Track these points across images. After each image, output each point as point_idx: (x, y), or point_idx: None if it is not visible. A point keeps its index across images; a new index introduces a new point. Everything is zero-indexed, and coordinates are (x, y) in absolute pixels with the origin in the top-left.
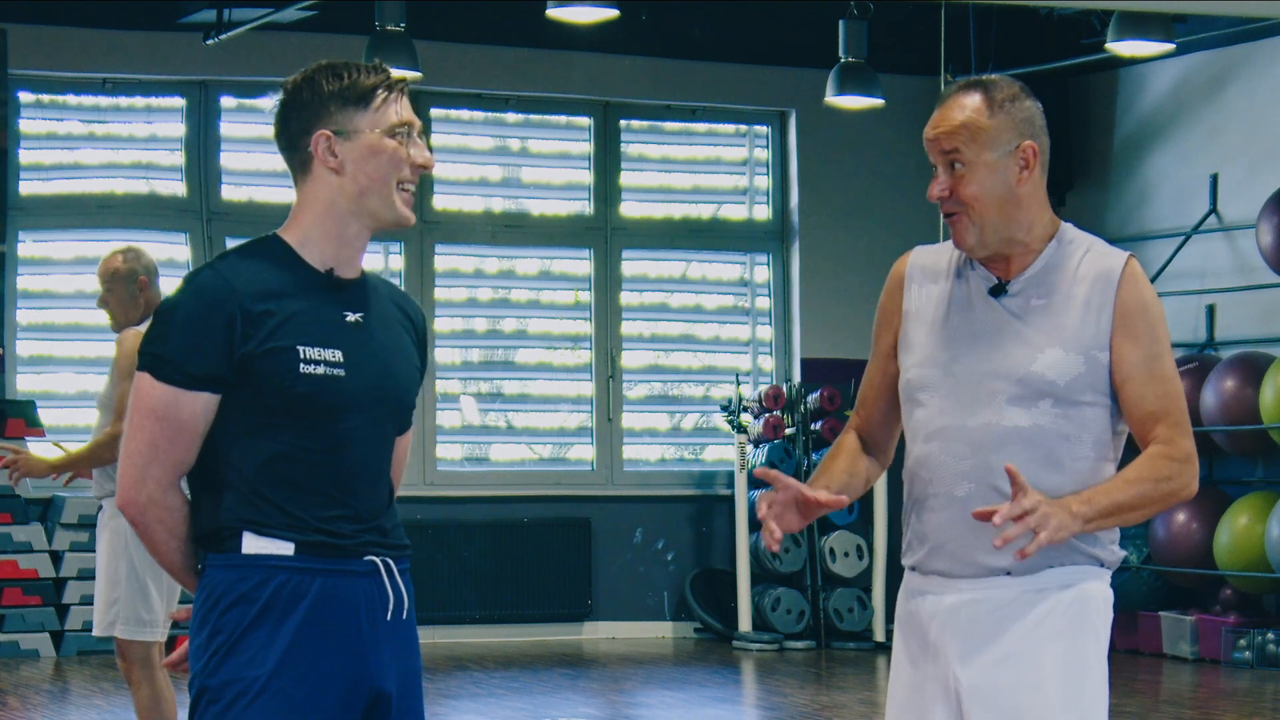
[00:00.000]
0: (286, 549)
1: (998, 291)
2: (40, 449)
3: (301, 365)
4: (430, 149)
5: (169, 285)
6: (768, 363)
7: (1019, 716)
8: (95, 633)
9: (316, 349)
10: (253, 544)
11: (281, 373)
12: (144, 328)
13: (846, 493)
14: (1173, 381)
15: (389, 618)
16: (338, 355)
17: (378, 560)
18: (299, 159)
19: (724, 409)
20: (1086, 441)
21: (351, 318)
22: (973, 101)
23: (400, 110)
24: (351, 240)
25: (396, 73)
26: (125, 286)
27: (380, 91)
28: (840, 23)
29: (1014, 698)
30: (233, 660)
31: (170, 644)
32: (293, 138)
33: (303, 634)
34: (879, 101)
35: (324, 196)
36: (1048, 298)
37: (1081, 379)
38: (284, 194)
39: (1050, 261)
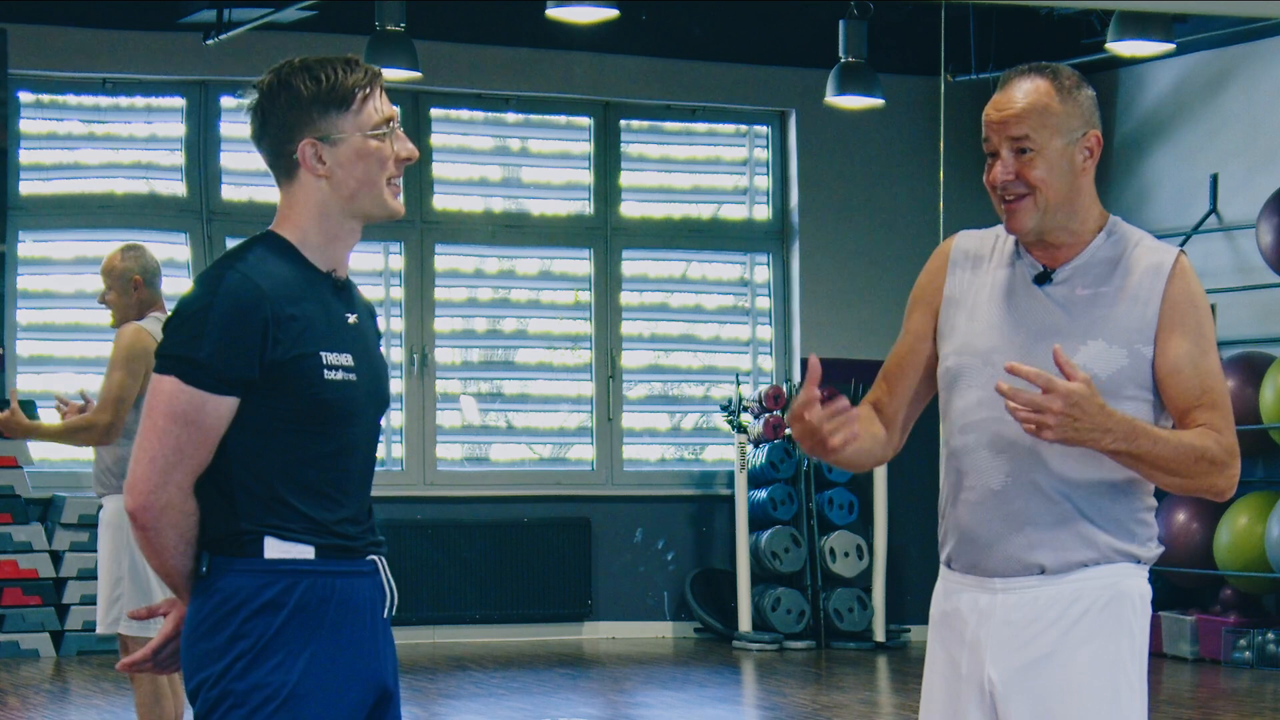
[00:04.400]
0: (308, 553)
1: (1043, 279)
2: (46, 415)
3: (325, 371)
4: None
5: (169, 285)
6: (768, 363)
7: (1055, 718)
8: (99, 630)
9: (334, 354)
10: (276, 549)
11: (308, 380)
12: (143, 323)
13: (859, 442)
14: (1219, 378)
15: (384, 616)
16: (349, 359)
17: (377, 559)
18: (283, 164)
19: (724, 409)
20: None
21: (351, 319)
22: (1042, 85)
23: (380, 106)
24: (346, 238)
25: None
26: (121, 284)
27: (359, 91)
28: (840, 23)
29: (1050, 699)
30: (261, 665)
31: None
32: (275, 144)
33: (328, 637)
34: (879, 101)
35: (314, 200)
36: (1093, 289)
37: (1124, 373)
38: None
39: (1098, 253)
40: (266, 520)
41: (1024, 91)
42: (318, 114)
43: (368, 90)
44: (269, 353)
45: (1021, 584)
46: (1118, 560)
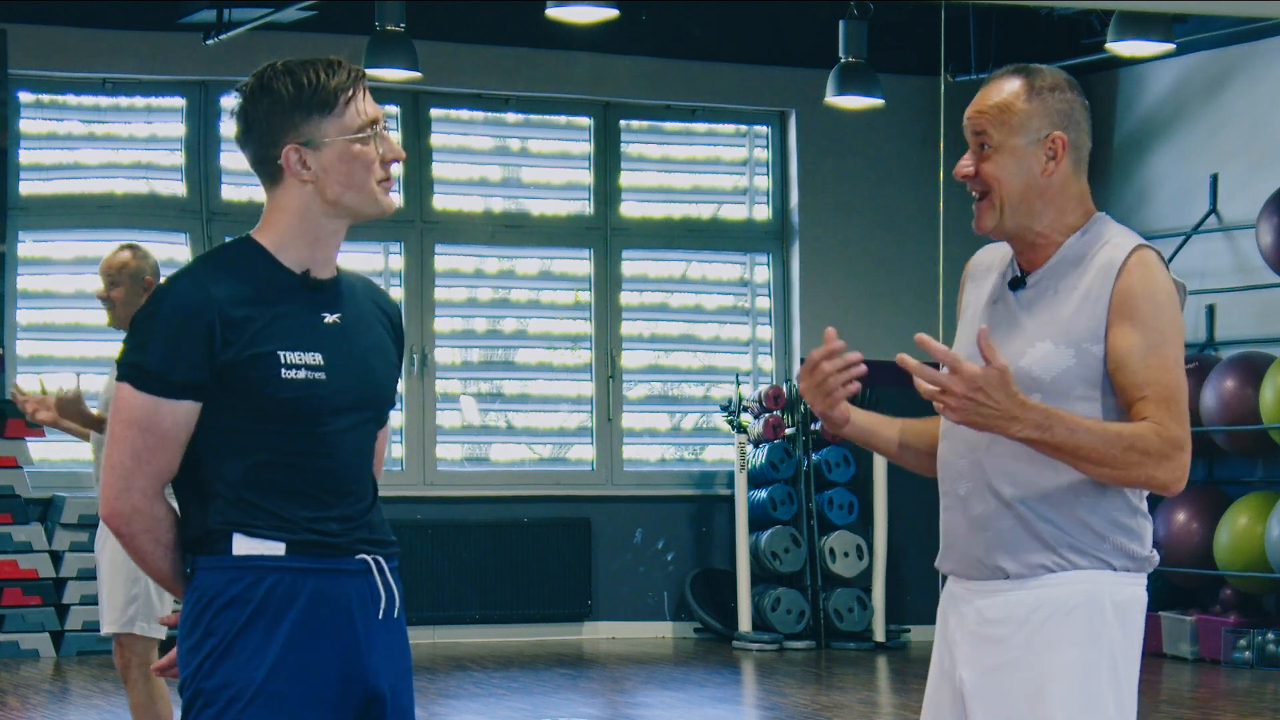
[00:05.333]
0: (278, 549)
1: (1017, 284)
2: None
3: (283, 370)
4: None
5: None
6: (768, 363)
7: None
8: (106, 630)
9: (297, 353)
10: (243, 545)
11: (264, 379)
12: None
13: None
14: (1172, 371)
15: (380, 617)
16: (318, 358)
17: (369, 559)
18: (267, 170)
19: (724, 409)
20: None
21: (329, 319)
22: (1011, 85)
23: (364, 108)
24: (328, 239)
25: (354, 65)
26: (133, 284)
27: (342, 94)
28: (840, 23)
29: (1012, 705)
30: (227, 663)
31: (165, 646)
32: (259, 150)
33: (297, 635)
34: (879, 101)
35: (298, 203)
36: (1054, 290)
37: (1070, 373)
38: None
39: (1067, 254)
40: (235, 519)
41: (996, 90)
42: (300, 118)
43: (350, 92)
44: (220, 355)
45: (990, 588)
46: (1085, 566)
